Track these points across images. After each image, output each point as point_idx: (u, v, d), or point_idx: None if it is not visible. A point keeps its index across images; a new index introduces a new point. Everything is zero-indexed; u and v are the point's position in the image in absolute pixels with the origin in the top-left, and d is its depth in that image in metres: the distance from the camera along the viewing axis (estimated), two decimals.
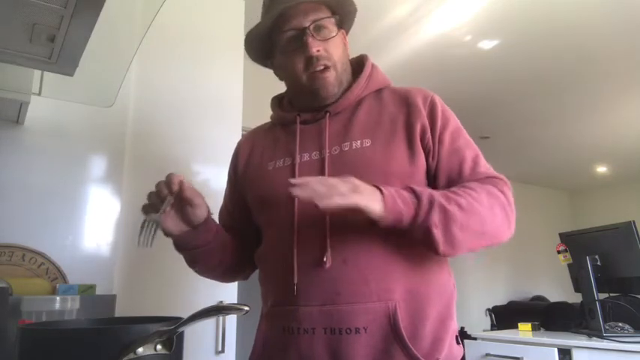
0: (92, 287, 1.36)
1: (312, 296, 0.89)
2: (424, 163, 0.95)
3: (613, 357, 1.92)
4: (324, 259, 0.87)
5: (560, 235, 2.47)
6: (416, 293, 0.89)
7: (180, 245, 0.97)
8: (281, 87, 1.09)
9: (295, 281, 0.89)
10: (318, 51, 0.95)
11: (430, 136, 0.95)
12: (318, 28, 0.96)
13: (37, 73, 1.26)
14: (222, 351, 1.61)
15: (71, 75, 1.03)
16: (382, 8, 2.45)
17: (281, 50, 1.00)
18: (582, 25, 2.59)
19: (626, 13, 2.49)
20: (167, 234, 0.94)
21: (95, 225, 1.49)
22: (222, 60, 1.85)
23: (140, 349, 0.65)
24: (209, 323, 1.60)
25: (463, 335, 1.00)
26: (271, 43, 1.01)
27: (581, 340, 2.05)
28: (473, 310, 4.87)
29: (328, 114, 0.99)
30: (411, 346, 0.84)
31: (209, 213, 0.97)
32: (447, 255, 0.87)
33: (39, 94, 1.32)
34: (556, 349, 2.04)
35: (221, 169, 1.15)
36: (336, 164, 0.93)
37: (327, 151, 0.95)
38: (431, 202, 0.82)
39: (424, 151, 0.95)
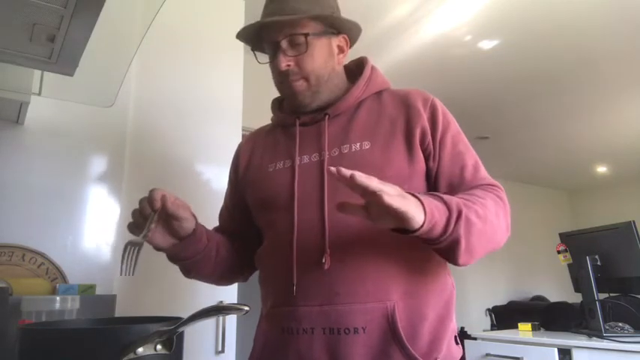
0: (92, 287, 1.36)
1: (311, 297, 0.89)
2: (423, 166, 0.96)
3: (613, 357, 1.92)
4: (323, 260, 0.88)
5: (560, 235, 2.47)
6: (414, 293, 0.89)
7: (171, 257, 0.97)
8: None
9: (294, 282, 0.90)
10: (288, 66, 0.96)
11: (431, 140, 0.95)
12: (292, 43, 0.96)
13: (37, 73, 1.26)
14: (222, 351, 1.61)
15: (71, 75, 1.03)
16: (382, 8, 2.45)
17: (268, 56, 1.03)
18: (582, 25, 2.59)
19: (626, 13, 2.49)
20: (156, 249, 0.93)
21: (95, 225, 1.49)
22: (222, 60, 1.85)
23: (140, 349, 0.65)
24: (209, 323, 1.60)
25: (463, 335, 1.00)
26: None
27: (581, 340, 2.05)
28: (473, 310, 4.88)
29: (327, 116, 1.00)
30: (409, 346, 0.84)
31: (197, 224, 0.96)
32: (464, 264, 0.86)
33: (39, 94, 1.32)
34: (556, 349, 2.04)
35: (221, 169, 1.15)
36: (335, 166, 0.93)
37: (327, 153, 0.96)
38: (459, 213, 0.81)
39: (424, 154, 0.96)
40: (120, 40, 1.25)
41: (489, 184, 0.96)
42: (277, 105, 1.12)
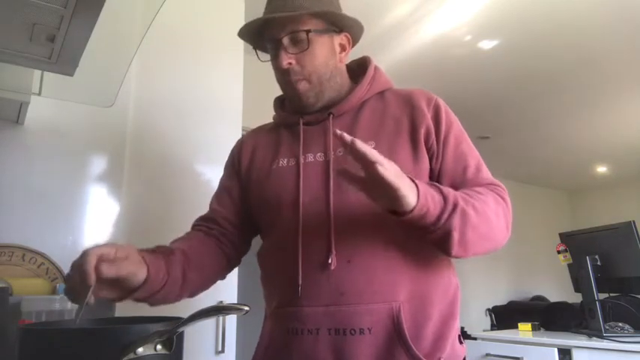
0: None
1: (316, 297, 0.89)
2: (428, 165, 0.96)
3: (613, 357, 1.92)
4: (329, 261, 0.88)
5: (560, 235, 2.47)
6: (419, 294, 0.89)
7: (133, 299, 0.86)
8: None
9: (300, 282, 0.89)
10: (289, 64, 0.96)
11: (435, 139, 0.96)
12: (294, 40, 0.96)
13: (37, 73, 1.26)
14: (222, 351, 1.61)
15: (71, 75, 1.03)
16: (382, 8, 2.45)
17: (270, 54, 1.02)
18: (582, 24, 2.59)
19: (626, 13, 2.49)
20: (109, 300, 0.83)
21: (95, 225, 1.49)
22: (222, 60, 1.85)
23: (140, 349, 0.65)
24: (209, 323, 1.60)
25: (463, 335, 1.00)
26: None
27: (581, 340, 2.06)
28: (473, 310, 4.87)
29: (332, 116, 1.00)
30: (413, 347, 0.84)
31: (150, 265, 0.83)
32: (458, 257, 0.87)
33: (39, 94, 1.32)
34: (556, 349, 2.04)
35: (221, 170, 1.15)
36: (341, 166, 0.93)
37: (332, 152, 0.96)
38: (455, 204, 0.82)
39: (428, 154, 0.96)
40: (120, 40, 1.25)
41: (492, 184, 0.96)
42: (279, 103, 1.11)
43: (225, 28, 1.90)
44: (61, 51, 0.92)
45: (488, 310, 4.97)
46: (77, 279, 0.74)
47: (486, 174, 0.98)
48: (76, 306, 0.77)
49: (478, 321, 4.80)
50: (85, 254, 0.76)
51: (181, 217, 1.30)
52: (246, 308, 0.67)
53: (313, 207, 0.93)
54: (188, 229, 1.12)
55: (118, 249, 0.79)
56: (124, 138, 1.60)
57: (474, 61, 2.97)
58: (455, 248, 0.83)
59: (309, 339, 0.88)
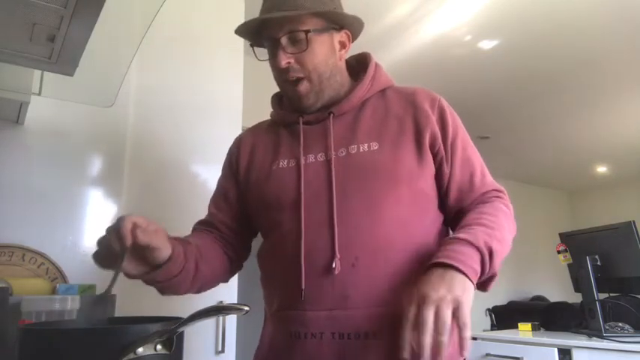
0: (92, 287, 1.36)
1: (320, 301, 0.88)
2: (432, 167, 0.96)
3: (613, 357, 1.92)
4: (334, 265, 0.86)
5: (560, 235, 2.47)
6: None
7: (145, 281, 0.89)
8: None
9: (303, 286, 0.88)
10: (288, 63, 0.95)
11: (442, 144, 0.96)
12: (293, 40, 0.95)
13: (37, 73, 1.26)
14: (222, 351, 1.61)
15: (71, 75, 1.02)
16: (382, 8, 2.45)
17: (267, 53, 1.01)
18: (582, 25, 2.59)
19: (626, 13, 2.49)
20: (128, 277, 0.86)
21: (95, 225, 1.49)
22: (222, 60, 1.85)
23: (140, 349, 0.65)
24: (209, 323, 1.60)
25: None
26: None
27: (581, 340, 2.05)
28: (473, 310, 4.82)
29: (332, 115, 0.98)
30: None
31: (174, 247, 0.87)
32: (489, 290, 0.90)
33: (39, 94, 1.31)
34: (556, 349, 2.04)
35: (221, 170, 1.15)
36: (343, 166, 0.93)
37: (333, 153, 0.94)
38: (490, 252, 0.83)
39: (434, 157, 0.96)
40: (120, 40, 1.25)
41: (495, 190, 0.98)
42: (277, 101, 1.10)
43: (225, 28, 1.89)
44: (61, 51, 0.92)
45: (488, 310, 4.97)
46: (113, 240, 0.77)
47: (489, 179, 1.00)
48: (70, 309, 0.78)
49: (478, 321, 4.80)
50: (121, 219, 0.78)
51: (181, 217, 1.30)
52: (246, 308, 0.67)
53: (315, 209, 0.91)
54: (188, 229, 1.12)
55: (150, 222, 0.81)
56: (124, 138, 1.60)
57: (474, 61, 2.97)
58: (492, 286, 0.88)
59: (312, 343, 0.87)
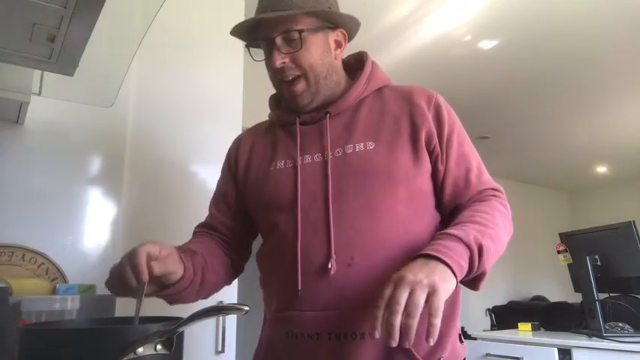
0: (92, 287, 1.36)
1: (316, 301, 0.88)
2: (429, 166, 0.95)
3: (613, 357, 1.92)
4: (329, 266, 0.86)
5: (560, 235, 2.47)
6: None
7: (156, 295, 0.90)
8: None
9: (299, 287, 0.88)
10: (283, 63, 0.95)
11: (437, 142, 0.95)
12: (287, 40, 0.94)
13: (37, 73, 1.26)
14: (222, 351, 1.61)
15: (71, 75, 1.02)
16: (382, 8, 2.45)
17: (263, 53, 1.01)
18: (582, 25, 2.59)
19: (626, 14, 2.49)
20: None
21: (95, 225, 1.49)
22: (222, 60, 1.85)
23: (140, 349, 0.65)
24: (209, 323, 1.60)
25: (463, 335, 1.01)
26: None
27: (581, 340, 2.06)
28: (473, 310, 4.87)
29: (329, 115, 0.98)
30: (413, 350, 0.84)
31: (185, 270, 0.88)
32: (481, 289, 0.89)
33: (39, 94, 1.31)
34: (556, 349, 2.04)
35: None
36: (339, 167, 0.93)
37: (330, 153, 0.94)
38: (480, 249, 0.82)
39: (430, 155, 0.95)
40: (120, 40, 1.25)
41: (492, 189, 0.97)
42: (275, 102, 1.10)
43: (226, 28, 1.89)
44: (61, 51, 0.92)
45: (489, 310, 4.97)
46: (129, 275, 0.78)
47: (487, 177, 0.99)
48: (70, 309, 0.78)
49: (478, 321, 4.80)
50: (135, 253, 0.79)
51: (181, 217, 1.30)
52: (246, 308, 0.67)
53: (312, 210, 0.91)
54: (188, 229, 1.12)
55: (162, 248, 0.83)
56: (124, 138, 1.60)
57: (474, 61, 2.97)
58: (482, 285, 0.87)
59: (309, 343, 0.87)
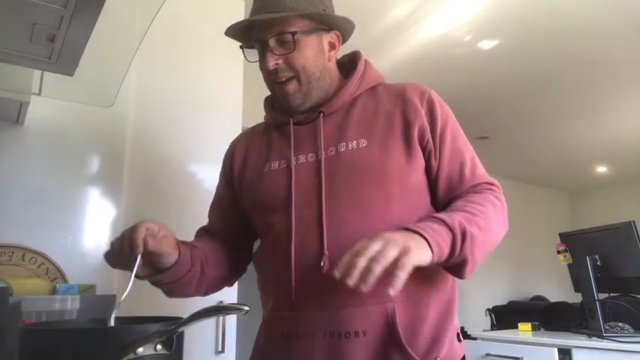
0: (92, 287, 1.36)
1: (310, 300, 0.88)
2: (422, 162, 0.95)
3: (613, 357, 1.92)
4: (322, 264, 0.87)
5: (560, 235, 2.47)
6: (415, 294, 0.89)
7: (151, 282, 0.92)
8: None
9: (293, 286, 0.89)
10: (276, 64, 0.95)
11: (430, 137, 0.95)
12: (281, 42, 0.95)
13: (37, 73, 1.26)
14: (222, 351, 1.61)
15: (71, 75, 1.03)
16: (382, 8, 2.45)
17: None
18: (582, 25, 2.59)
19: (626, 14, 2.49)
20: (135, 277, 0.88)
21: (95, 225, 1.49)
22: (222, 60, 1.85)
23: (140, 349, 0.65)
24: (209, 323, 1.60)
25: (463, 335, 1.00)
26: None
27: (581, 340, 2.05)
28: (473, 310, 4.87)
29: (322, 114, 0.98)
30: (408, 348, 0.84)
31: (180, 251, 0.90)
32: (468, 277, 0.88)
33: (39, 94, 1.31)
34: (556, 349, 2.04)
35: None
36: (332, 165, 0.93)
37: (323, 152, 0.94)
38: (463, 234, 0.82)
39: (423, 151, 0.95)
40: (120, 40, 1.25)
41: (486, 183, 0.97)
42: (270, 104, 1.10)
43: (225, 28, 1.90)
44: (61, 51, 0.92)
45: (489, 310, 4.97)
46: (126, 247, 0.80)
47: (481, 171, 0.99)
48: (70, 309, 0.78)
49: (478, 321, 4.80)
50: (135, 226, 0.82)
51: (181, 217, 1.30)
52: (246, 308, 0.67)
53: (305, 209, 0.92)
54: (187, 229, 1.12)
55: (161, 228, 0.85)
56: (124, 138, 1.60)
57: (473, 61, 2.96)
58: (468, 272, 0.85)
59: (304, 342, 0.88)
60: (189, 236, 1.09)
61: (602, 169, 5.55)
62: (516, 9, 2.44)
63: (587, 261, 2.17)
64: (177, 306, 1.47)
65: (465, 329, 3.64)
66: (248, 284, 1.22)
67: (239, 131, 1.78)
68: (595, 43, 2.77)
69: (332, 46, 1.02)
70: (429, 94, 0.99)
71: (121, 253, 0.82)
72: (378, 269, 0.72)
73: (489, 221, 0.88)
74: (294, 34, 0.94)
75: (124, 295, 0.78)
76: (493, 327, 4.75)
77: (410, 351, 0.84)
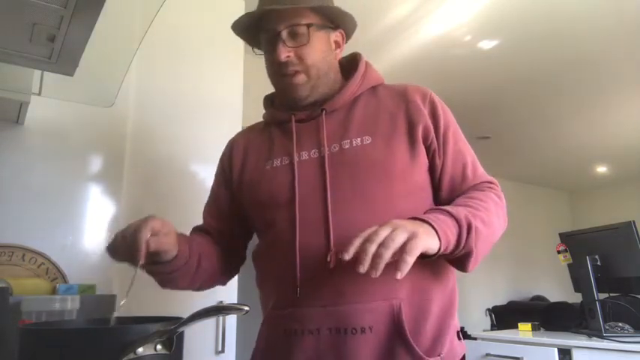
0: (92, 287, 1.36)
1: (315, 297, 0.88)
2: (426, 161, 0.97)
3: (613, 357, 1.92)
4: (328, 259, 0.87)
5: (560, 235, 2.47)
6: (420, 290, 0.89)
7: (147, 271, 0.92)
8: None
9: (298, 282, 0.89)
10: (288, 57, 0.95)
11: (434, 137, 0.96)
12: (293, 34, 0.95)
13: (37, 73, 1.26)
14: (222, 351, 1.61)
15: (71, 75, 1.03)
16: (382, 8, 2.45)
17: (263, 47, 1.02)
18: (582, 25, 2.59)
19: (626, 14, 2.49)
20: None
21: (95, 225, 1.49)
22: (222, 60, 1.85)
23: (140, 349, 0.65)
24: (209, 323, 1.60)
25: (463, 335, 1.01)
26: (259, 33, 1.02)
27: (581, 340, 2.05)
28: (473, 310, 4.87)
29: (324, 111, 0.99)
30: (414, 344, 0.84)
31: (180, 244, 0.90)
32: (471, 271, 0.89)
33: (39, 94, 1.31)
34: (556, 349, 2.04)
35: None
36: (336, 162, 0.93)
37: (327, 149, 0.95)
38: (469, 227, 0.83)
39: (427, 150, 0.97)
40: (120, 40, 1.25)
41: (487, 182, 0.99)
42: (269, 102, 1.11)
43: (226, 28, 1.90)
44: (61, 51, 0.92)
45: (488, 310, 4.97)
46: (128, 249, 0.80)
47: (481, 171, 1.01)
48: (70, 309, 0.78)
49: (478, 321, 4.80)
50: (139, 227, 0.80)
51: (181, 216, 1.30)
52: (246, 308, 0.67)
53: (310, 205, 0.92)
54: (188, 228, 1.12)
55: (163, 224, 0.84)
56: (124, 138, 1.60)
57: (473, 61, 2.96)
58: (472, 265, 0.86)
59: (309, 339, 0.87)
60: None
61: (602, 169, 5.55)
62: (516, 9, 2.44)
63: (587, 261, 2.17)
64: (178, 306, 1.47)
65: (465, 329, 3.64)
66: (248, 284, 1.22)
67: (239, 131, 1.79)
68: (595, 43, 2.77)
69: (337, 45, 1.03)
70: (431, 95, 1.01)
71: (123, 254, 0.82)
72: (388, 254, 0.72)
73: (491, 216, 0.90)
74: (308, 26, 0.95)
75: (122, 301, 0.79)
76: (493, 327, 4.75)
77: (415, 347, 0.84)
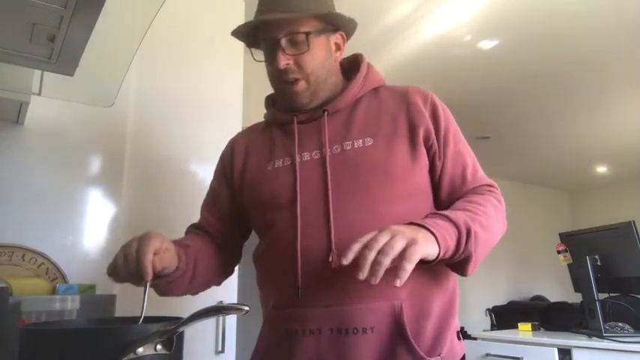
0: (92, 287, 1.36)
1: (317, 297, 0.88)
2: (427, 162, 0.97)
3: (613, 357, 1.92)
4: (330, 260, 0.87)
5: (560, 235, 2.47)
6: (420, 291, 0.89)
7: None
8: None
9: (299, 283, 0.89)
10: (287, 64, 0.95)
11: (435, 139, 0.97)
12: (292, 42, 0.95)
13: (37, 73, 1.26)
14: (222, 351, 1.61)
15: (71, 75, 1.02)
16: (382, 8, 2.45)
17: (263, 54, 1.01)
18: (582, 25, 2.59)
19: (626, 14, 2.49)
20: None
21: (95, 225, 1.49)
22: (222, 60, 1.85)
23: (140, 349, 0.65)
24: (209, 323, 1.60)
25: (463, 335, 1.01)
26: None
27: (581, 340, 2.05)
28: (473, 310, 4.87)
29: (326, 113, 0.99)
30: (415, 345, 0.84)
31: (179, 262, 0.90)
32: (470, 275, 0.89)
33: (39, 94, 1.31)
34: (556, 349, 2.04)
35: None
36: (338, 163, 0.93)
37: (328, 150, 0.95)
38: (468, 232, 0.83)
39: (428, 152, 0.97)
40: (120, 40, 1.25)
41: (487, 185, 0.99)
42: (270, 102, 1.11)
43: (226, 28, 1.89)
44: (61, 51, 0.92)
45: (488, 310, 4.97)
46: (134, 272, 0.78)
47: (481, 174, 1.01)
48: (70, 309, 0.78)
49: (478, 321, 4.80)
50: (142, 250, 0.78)
51: (181, 217, 1.30)
52: (246, 308, 0.67)
53: (312, 206, 0.92)
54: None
55: (163, 242, 0.83)
56: (124, 138, 1.60)
57: (474, 61, 2.96)
58: (471, 269, 0.86)
59: (310, 339, 0.87)
60: None
61: (602, 169, 5.55)
62: (516, 9, 2.44)
63: (587, 261, 2.17)
64: (178, 306, 1.47)
65: (465, 329, 3.64)
66: (248, 284, 1.22)
67: (239, 131, 1.79)
68: (595, 43, 2.77)
69: (337, 47, 1.03)
70: (432, 97, 1.01)
71: (125, 276, 0.80)
72: (387, 261, 0.72)
73: (490, 221, 0.90)
74: (307, 34, 0.95)
75: (141, 318, 0.77)
76: (493, 327, 4.76)
77: (416, 347, 0.84)
